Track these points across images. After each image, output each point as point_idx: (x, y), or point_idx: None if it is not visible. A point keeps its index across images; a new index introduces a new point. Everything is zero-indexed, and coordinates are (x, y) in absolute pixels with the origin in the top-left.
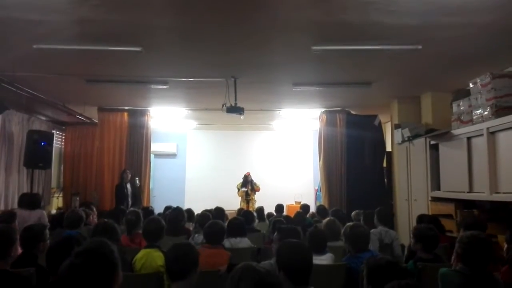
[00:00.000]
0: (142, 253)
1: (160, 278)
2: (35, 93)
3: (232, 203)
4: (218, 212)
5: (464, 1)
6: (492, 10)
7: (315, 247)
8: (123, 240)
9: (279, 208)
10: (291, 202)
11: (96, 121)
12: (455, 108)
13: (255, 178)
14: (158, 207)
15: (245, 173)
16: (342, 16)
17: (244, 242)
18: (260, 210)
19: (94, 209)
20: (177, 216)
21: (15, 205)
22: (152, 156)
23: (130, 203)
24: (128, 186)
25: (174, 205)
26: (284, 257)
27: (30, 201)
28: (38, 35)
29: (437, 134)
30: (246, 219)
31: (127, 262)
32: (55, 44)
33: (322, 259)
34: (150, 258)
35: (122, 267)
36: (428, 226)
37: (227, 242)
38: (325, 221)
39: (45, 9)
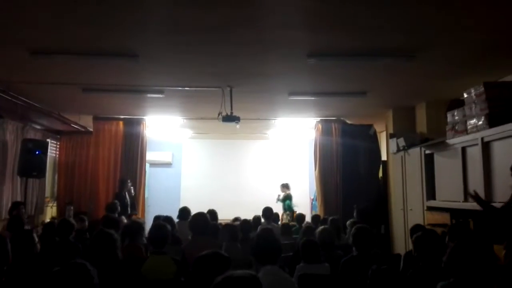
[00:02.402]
0: (151, 260)
1: (172, 285)
2: (30, 102)
3: (226, 212)
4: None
5: (457, 16)
6: (485, 24)
7: (308, 257)
8: (124, 250)
9: (266, 213)
10: None
11: (91, 130)
12: (449, 118)
13: (250, 187)
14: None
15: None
16: (337, 30)
17: None
18: (258, 218)
19: (86, 221)
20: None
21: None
22: (147, 165)
23: (129, 212)
24: (126, 195)
25: (169, 215)
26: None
27: None
28: (33, 44)
29: (432, 144)
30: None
31: (129, 271)
32: (51, 53)
33: (318, 269)
34: (161, 265)
35: (125, 277)
36: None
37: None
38: (318, 230)
39: (41, 17)
